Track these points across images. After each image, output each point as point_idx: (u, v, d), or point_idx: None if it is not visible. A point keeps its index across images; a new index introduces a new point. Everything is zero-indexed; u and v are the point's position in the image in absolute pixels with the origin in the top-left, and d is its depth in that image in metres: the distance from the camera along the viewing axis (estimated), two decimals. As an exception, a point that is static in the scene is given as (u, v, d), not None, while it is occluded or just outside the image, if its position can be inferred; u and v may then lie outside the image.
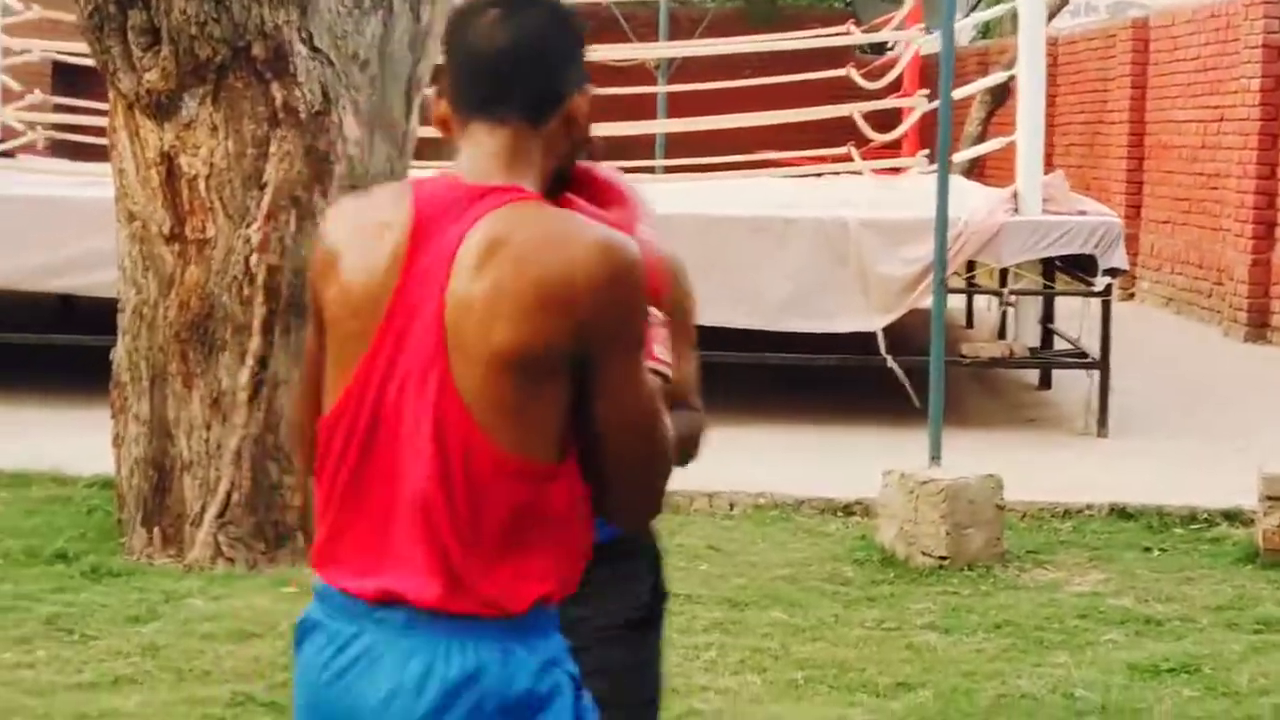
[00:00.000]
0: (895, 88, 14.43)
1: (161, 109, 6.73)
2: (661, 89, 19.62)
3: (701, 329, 3.14)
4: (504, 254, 2.35)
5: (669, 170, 16.58)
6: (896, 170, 13.45)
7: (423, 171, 11.67)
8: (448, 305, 2.38)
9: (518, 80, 2.44)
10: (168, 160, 6.81)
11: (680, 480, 9.23)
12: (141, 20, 6.64)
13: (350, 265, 2.46)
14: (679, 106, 19.64)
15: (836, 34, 15.90)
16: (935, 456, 7.58)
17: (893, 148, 14.53)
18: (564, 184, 2.54)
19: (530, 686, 2.42)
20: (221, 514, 6.82)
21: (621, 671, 3.13)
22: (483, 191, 2.41)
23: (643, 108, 19.30)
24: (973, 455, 8.11)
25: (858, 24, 17.62)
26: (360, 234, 2.48)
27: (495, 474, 2.38)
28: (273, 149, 6.79)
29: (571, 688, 2.47)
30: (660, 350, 2.52)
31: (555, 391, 2.36)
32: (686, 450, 2.90)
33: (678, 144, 18.53)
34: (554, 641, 2.48)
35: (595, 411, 2.39)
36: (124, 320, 7.04)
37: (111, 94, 6.95)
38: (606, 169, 2.66)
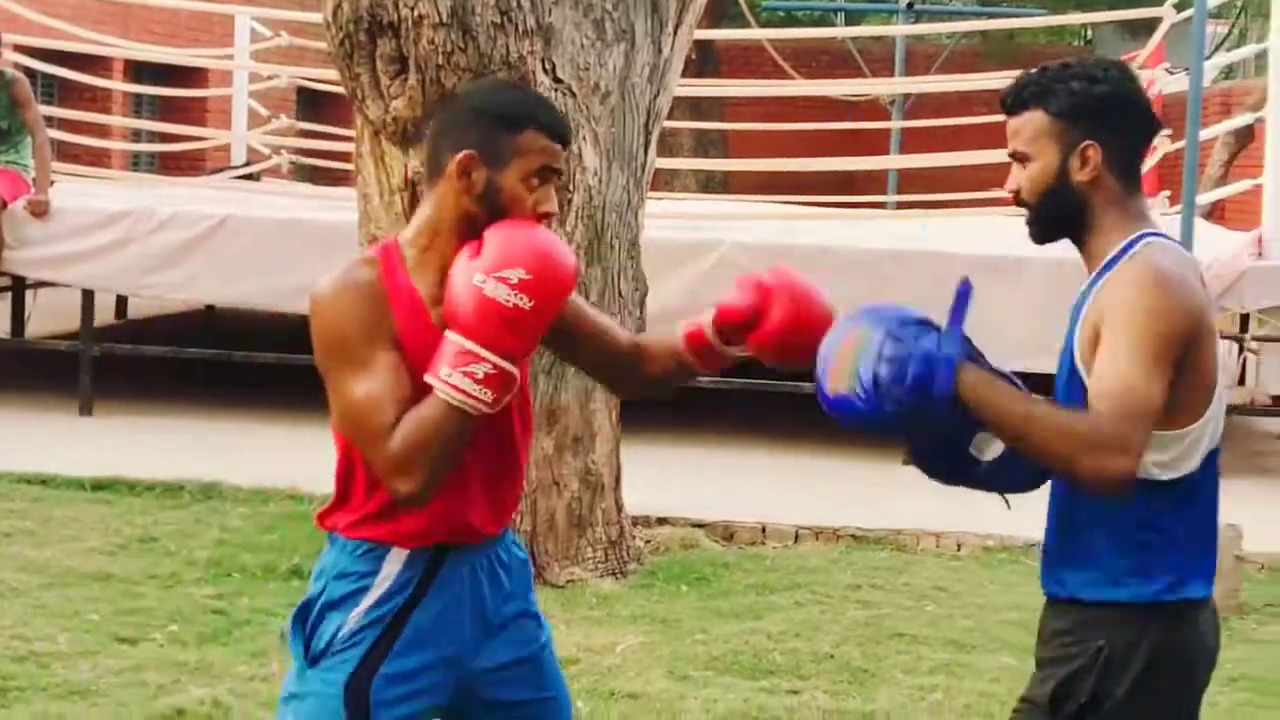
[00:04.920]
0: (1136, 128, 14.15)
1: (407, 136, 6.84)
2: (896, 124, 19.52)
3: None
4: None
5: (900, 206, 16.48)
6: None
7: (658, 203, 11.57)
8: None
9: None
10: (412, 186, 6.92)
11: (909, 520, 9.04)
12: (390, 49, 6.76)
13: None
14: (913, 143, 19.49)
15: (1076, 72, 15.64)
16: (1172, 504, 7.40)
17: (1132, 188, 14.25)
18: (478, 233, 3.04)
19: (313, 588, 3.20)
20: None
21: None
22: None
23: (876, 144, 19.24)
24: (1210, 504, 7.91)
25: (1098, 62, 17.35)
26: None
27: None
28: (513, 177, 6.87)
29: (326, 594, 3.16)
30: (449, 372, 2.93)
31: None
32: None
33: (911, 180, 18.39)
34: (335, 559, 3.20)
35: None
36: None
37: (358, 121, 7.08)
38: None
